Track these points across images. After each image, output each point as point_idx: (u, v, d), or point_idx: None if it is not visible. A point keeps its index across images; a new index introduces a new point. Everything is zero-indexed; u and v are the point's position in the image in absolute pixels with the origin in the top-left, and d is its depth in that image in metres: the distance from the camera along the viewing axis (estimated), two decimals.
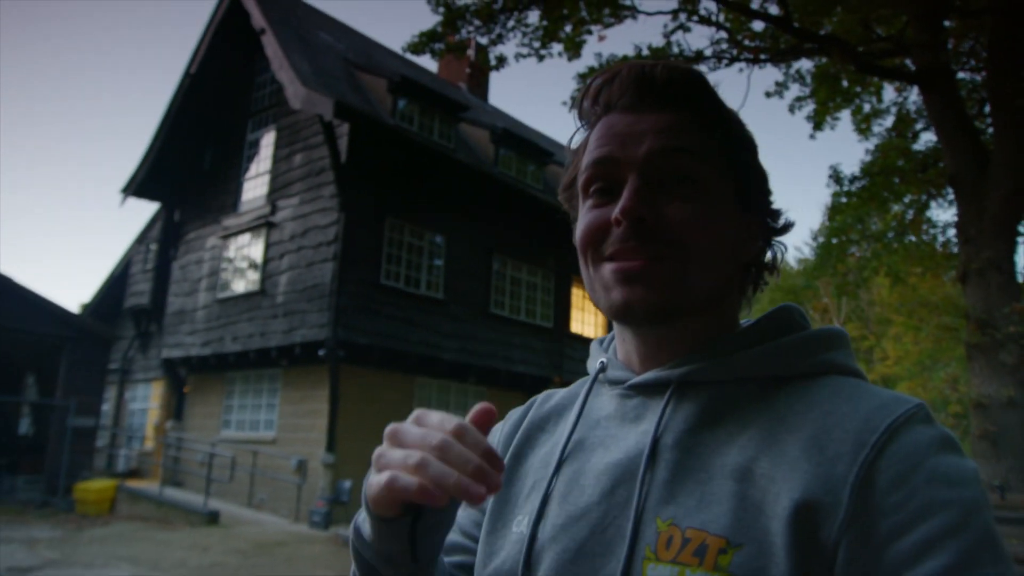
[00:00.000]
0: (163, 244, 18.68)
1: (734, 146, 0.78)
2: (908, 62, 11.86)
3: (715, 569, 0.62)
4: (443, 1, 12.12)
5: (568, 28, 12.84)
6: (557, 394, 0.95)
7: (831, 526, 0.60)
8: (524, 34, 12.98)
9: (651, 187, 0.74)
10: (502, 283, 17.11)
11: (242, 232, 16.08)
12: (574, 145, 0.85)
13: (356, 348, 13.59)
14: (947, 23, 11.17)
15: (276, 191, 15.68)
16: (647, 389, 0.79)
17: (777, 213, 0.83)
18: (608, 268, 0.76)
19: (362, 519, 0.73)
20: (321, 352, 13.17)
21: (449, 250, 15.93)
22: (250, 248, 15.82)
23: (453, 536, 0.90)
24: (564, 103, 13.81)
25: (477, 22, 12.74)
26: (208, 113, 17.57)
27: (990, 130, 12.85)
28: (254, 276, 15.49)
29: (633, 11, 12.60)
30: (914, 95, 16.23)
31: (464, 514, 0.91)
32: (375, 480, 0.63)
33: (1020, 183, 8.63)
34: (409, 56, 13.75)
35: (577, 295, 19.41)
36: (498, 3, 12.47)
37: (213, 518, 12.38)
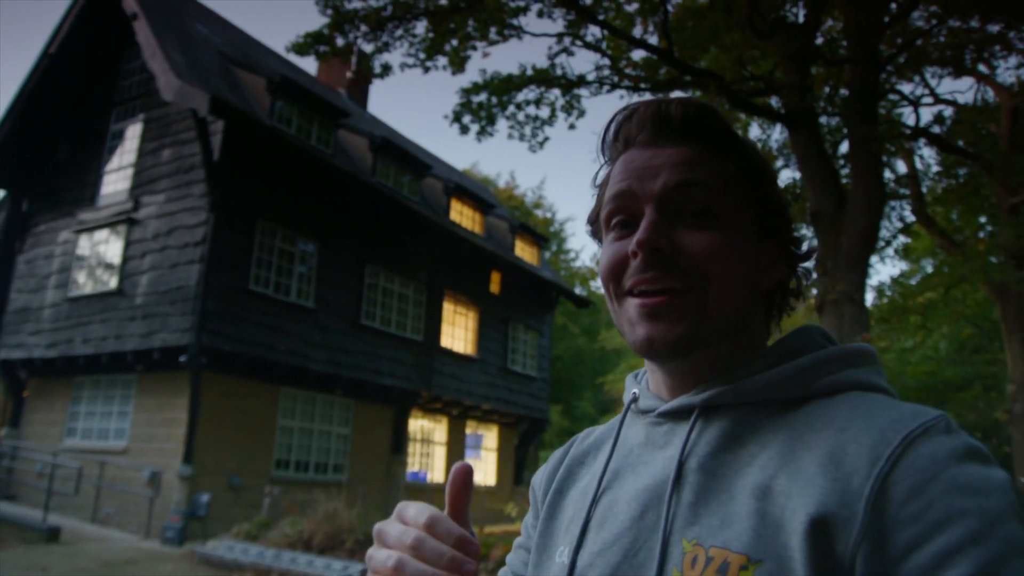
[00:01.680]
0: (7, 236, 17.23)
1: (750, 177, 0.81)
2: (773, 101, 12.62)
3: None
4: (332, 4, 11.90)
5: (455, 42, 12.89)
6: (596, 431, 0.98)
7: (847, 540, 0.60)
8: (411, 44, 12.92)
9: (668, 219, 0.77)
10: (374, 294, 16.89)
11: (100, 227, 15.10)
12: (598, 181, 0.88)
13: (220, 355, 13.02)
14: (813, 69, 11.97)
15: (140, 186, 14.85)
16: (674, 416, 0.81)
17: (799, 240, 0.86)
18: (633, 304, 0.78)
19: None
20: (182, 358, 12.54)
21: (321, 258, 15.58)
22: (108, 245, 14.88)
23: None
24: (445, 116, 13.84)
25: (364, 28, 12.58)
26: (67, 98, 16.42)
27: (843, 170, 13.87)
28: (111, 275, 14.57)
29: (519, 31, 12.79)
30: (776, 133, 17.31)
31: (514, 556, 0.96)
32: None
33: (873, 221, 9.33)
34: (289, 57, 13.38)
35: (448, 309, 19.42)
36: (387, 11, 12.36)
37: (53, 535, 11.45)
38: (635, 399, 0.88)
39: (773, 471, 0.68)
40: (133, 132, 15.65)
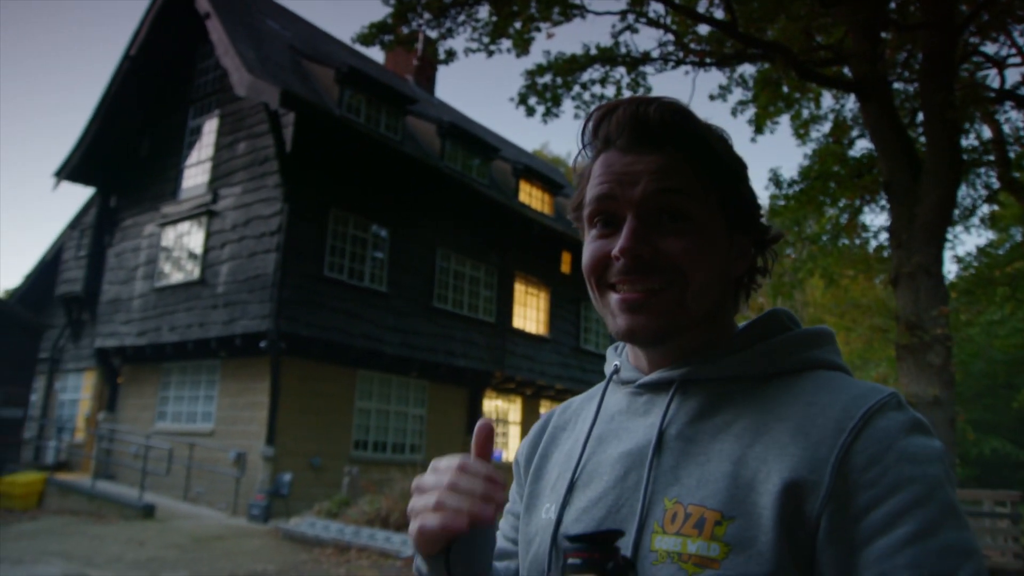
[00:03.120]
0: (98, 230, 18.13)
1: (723, 177, 0.87)
2: (846, 71, 12.23)
3: (712, 539, 0.72)
4: None
5: (518, 25, 12.89)
6: (574, 401, 1.08)
7: (814, 501, 0.70)
8: (474, 29, 12.98)
9: (647, 225, 0.83)
10: (445, 277, 17.10)
11: (182, 220, 15.73)
12: (579, 168, 0.94)
13: (298, 340, 13.44)
14: (884, 35, 11.55)
15: (218, 179, 15.38)
16: (654, 387, 0.90)
17: (766, 228, 0.93)
18: (614, 298, 0.85)
19: (418, 562, 0.88)
20: (262, 344, 13.00)
21: (393, 243, 15.85)
22: (190, 236, 15.49)
23: (502, 543, 1.04)
24: (511, 99, 13.86)
25: (427, 15, 12.70)
26: (147, 97, 17.14)
27: (921, 139, 13.37)
28: (193, 265, 15.18)
29: (582, 10, 12.71)
30: (851, 103, 16.74)
31: (504, 522, 1.07)
32: (411, 528, 0.81)
33: (949, 191, 9.00)
34: (356, 47, 13.64)
35: (519, 290, 19.50)
36: None
37: (148, 512, 12.12)
38: (617, 370, 0.97)
39: (749, 440, 0.77)
40: (210, 127, 16.19)
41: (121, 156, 17.50)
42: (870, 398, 0.74)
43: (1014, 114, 18.59)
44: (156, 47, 16.51)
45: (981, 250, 19.90)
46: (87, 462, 16.39)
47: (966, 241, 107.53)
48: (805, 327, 0.89)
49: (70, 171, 17.41)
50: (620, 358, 0.98)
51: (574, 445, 0.95)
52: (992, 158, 16.49)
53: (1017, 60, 15.97)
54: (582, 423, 0.99)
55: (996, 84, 15.90)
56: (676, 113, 0.85)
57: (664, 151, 0.84)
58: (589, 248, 0.88)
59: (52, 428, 18.38)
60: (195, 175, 16.21)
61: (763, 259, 0.94)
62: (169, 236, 16.00)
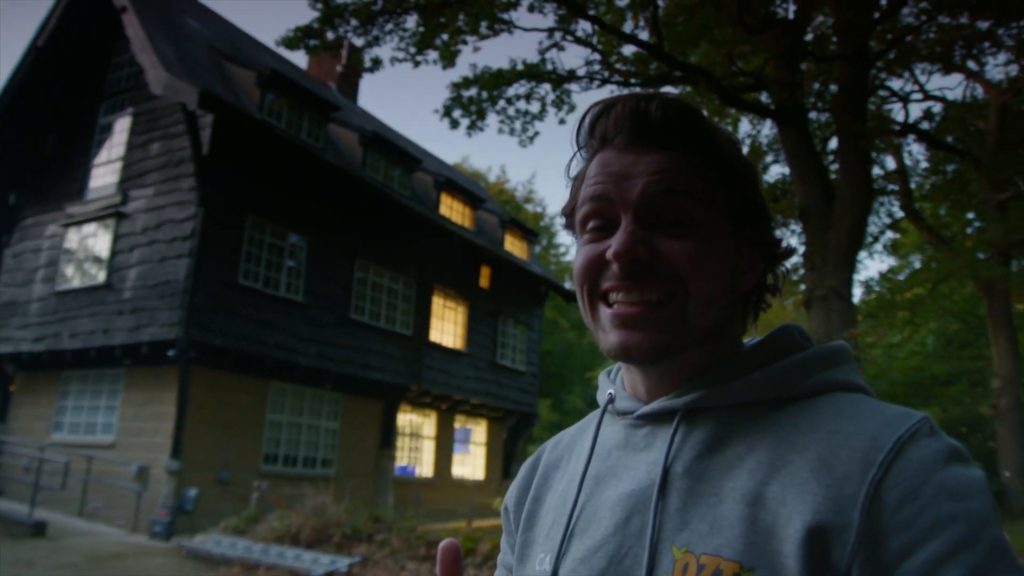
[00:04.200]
0: None
1: (730, 183, 0.79)
2: (764, 97, 12.66)
3: None
4: None
5: (445, 36, 12.89)
6: (566, 434, 0.97)
7: (843, 548, 0.61)
8: (401, 38, 12.92)
9: (646, 227, 0.75)
10: (364, 288, 16.87)
11: (88, 221, 15.03)
12: (572, 172, 0.86)
13: (209, 349, 12.99)
14: (803, 65, 12.00)
15: (129, 180, 14.78)
16: (655, 418, 0.80)
17: (777, 241, 0.84)
18: (606, 313, 0.77)
19: None
20: (171, 352, 12.49)
21: (311, 252, 15.54)
22: (96, 239, 14.81)
23: None
24: (436, 111, 13.84)
25: (355, 22, 12.57)
26: (55, 91, 16.32)
27: (833, 167, 13.93)
28: (99, 269, 14.50)
29: (510, 26, 12.81)
30: (767, 129, 17.37)
31: (502, 572, 0.95)
32: None
33: (861, 217, 9.37)
34: (280, 51, 13.36)
35: (438, 304, 19.40)
36: (377, 5, 12.35)
37: (39, 529, 11.41)
38: (611, 399, 0.87)
39: (764, 476, 0.67)
40: (122, 126, 15.56)
41: (24, 151, 16.60)
42: (900, 425, 0.65)
43: (916, 147, 19.63)
44: (66, 39, 15.75)
45: (884, 276, 20.88)
46: None
47: (869, 266, 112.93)
48: (821, 344, 0.81)
49: None
50: (615, 385, 0.88)
51: (568, 486, 0.85)
52: (896, 188, 17.36)
53: (919, 96, 16.87)
54: (575, 460, 0.88)
55: (901, 118, 16.77)
56: (680, 110, 0.77)
57: (666, 150, 0.76)
58: (581, 253, 0.80)
59: None
60: (104, 175, 15.53)
61: (773, 276, 0.85)
62: (73, 238, 15.26)
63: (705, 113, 0.80)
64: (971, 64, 15.22)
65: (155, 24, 14.16)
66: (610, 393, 0.87)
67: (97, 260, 14.63)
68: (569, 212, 0.85)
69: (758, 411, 0.74)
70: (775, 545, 0.63)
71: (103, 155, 15.72)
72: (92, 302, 14.26)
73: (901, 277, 19.33)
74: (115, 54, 16.14)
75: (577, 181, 0.84)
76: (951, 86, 64.54)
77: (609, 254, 0.75)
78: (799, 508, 0.63)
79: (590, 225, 0.80)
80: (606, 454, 0.83)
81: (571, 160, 0.86)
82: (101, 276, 14.36)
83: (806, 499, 0.63)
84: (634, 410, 0.82)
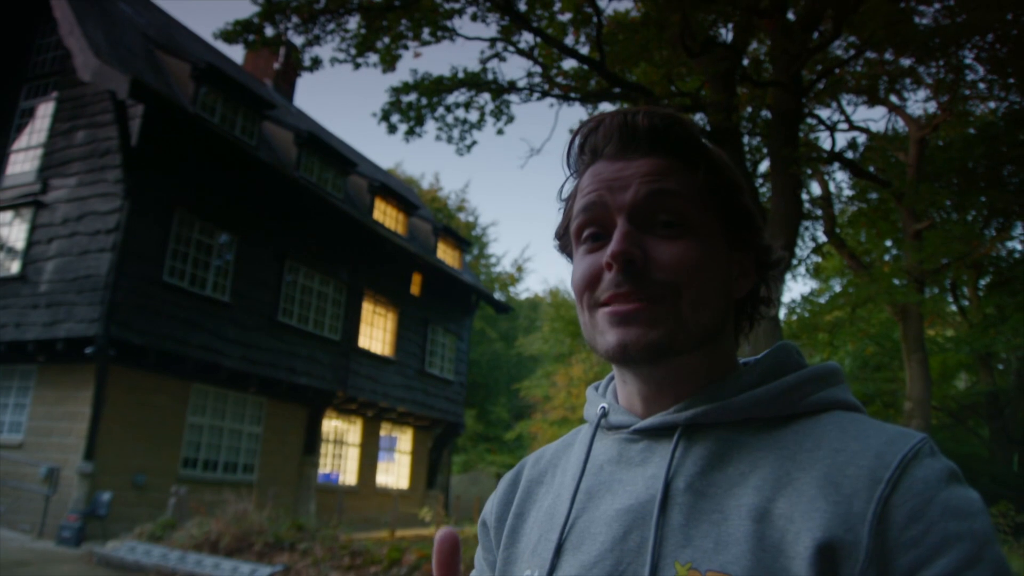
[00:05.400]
0: None
1: (719, 187, 0.80)
2: (699, 119, 12.95)
3: None
4: None
5: (386, 40, 12.81)
6: (548, 450, 0.96)
7: (853, 565, 0.62)
8: (342, 39, 12.78)
9: (640, 229, 0.76)
10: (293, 291, 16.57)
11: (3, 209, 14.35)
12: (564, 194, 0.87)
13: (129, 348, 12.54)
14: (738, 89, 12.33)
15: (50, 168, 14.17)
16: (652, 433, 0.79)
17: (768, 249, 0.85)
18: (602, 312, 0.77)
19: None
20: (89, 350, 12.01)
21: (240, 252, 15.19)
22: (11, 228, 14.15)
23: None
24: (373, 115, 13.75)
25: (296, 19, 12.38)
26: None
27: (763, 189, 14.33)
28: (13, 259, 13.86)
29: (452, 33, 12.81)
30: None
31: None
32: None
33: (790, 239, 9.66)
34: (216, 44, 13.03)
35: (368, 309, 19.20)
36: (320, 3, 12.20)
37: None
38: (605, 413, 0.86)
39: (770, 493, 0.68)
40: (44, 111, 14.92)
41: None
42: (904, 444, 0.67)
43: (840, 175, 20.36)
44: None
45: (806, 298, 21.53)
46: None
47: (792, 288, 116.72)
48: (815, 364, 0.82)
49: None
50: (606, 399, 0.87)
51: (556, 501, 0.84)
52: (821, 213, 17.95)
53: (845, 126, 17.52)
54: (563, 475, 0.87)
55: (828, 146, 17.37)
56: (667, 119, 0.79)
57: (656, 155, 0.78)
58: (579, 265, 0.80)
59: None
60: (22, 161, 14.85)
61: (766, 287, 0.86)
62: None
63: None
64: (894, 98, 15.87)
65: (85, 7, 13.64)
66: (603, 407, 0.86)
67: (11, 250, 13.98)
68: (563, 231, 0.86)
69: (760, 428, 0.75)
70: (783, 563, 0.64)
71: (22, 140, 15.04)
72: (4, 294, 13.61)
73: (823, 300, 19.99)
74: (40, 35, 15.48)
75: (570, 199, 0.85)
76: (875, 118, 67.45)
77: (605, 258, 0.76)
78: (807, 525, 0.64)
79: (586, 234, 0.80)
80: (598, 469, 0.81)
81: (563, 185, 0.87)
82: (15, 267, 13.73)
83: (814, 516, 0.64)
84: (629, 424, 0.81)
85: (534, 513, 0.87)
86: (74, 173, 13.69)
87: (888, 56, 13.32)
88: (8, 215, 14.27)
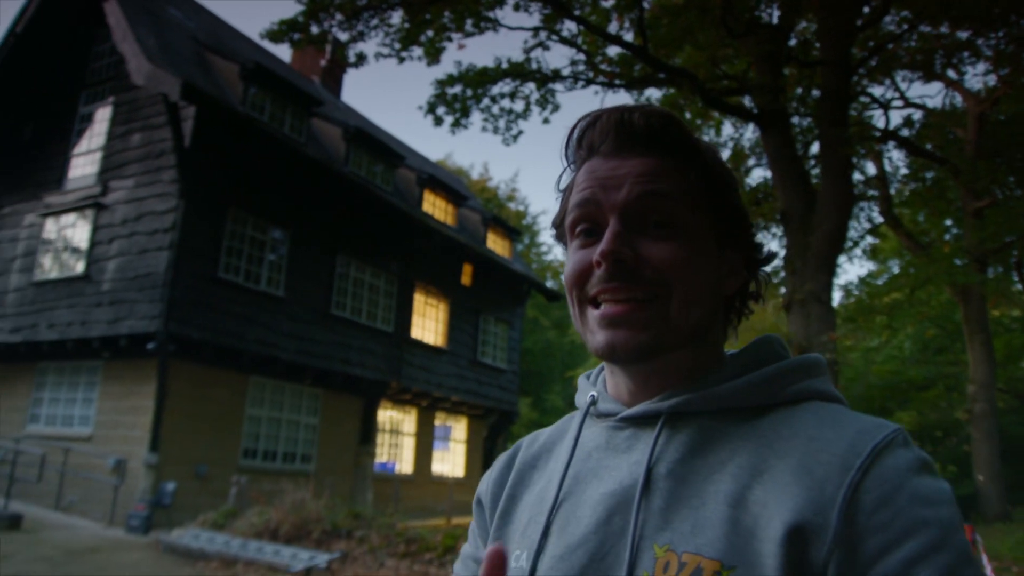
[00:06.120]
0: None
1: (711, 186, 0.82)
2: (747, 101, 12.74)
3: None
4: None
5: (430, 33, 12.87)
6: (543, 434, 0.98)
7: (821, 546, 0.64)
8: (386, 34, 12.88)
9: (631, 230, 0.78)
10: (345, 284, 16.80)
11: (66, 211, 14.85)
12: (562, 185, 0.89)
13: (188, 343, 12.89)
14: (785, 70, 12.09)
15: (109, 171, 14.61)
16: (638, 421, 0.82)
17: (759, 246, 0.88)
18: (593, 314, 0.80)
19: None
20: (150, 345, 12.39)
21: (292, 247, 15.46)
22: (75, 229, 14.64)
23: None
24: (420, 108, 13.80)
25: (340, 16, 12.52)
26: (34, 79, 16.10)
27: (814, 171, 14.05)
28: (77, 260, 14.34)
29: (496, 24, 12.80)
30: (749, 132, 17.46)
31: (462, 567, 0.95)
32: None
33: (841, 221, 9.47)
34: (264, 44, 13.25)
35: (419, 301, 19.36)
36: (363, 0, 12.31)
37: (15, 522, 11.27)
38: (594, 402, 0.89)
39: (747, 480, 0.70)
40: (102, 115, 15.38)
41: (1, 139, 16.36)
42: (876, 433, 0.69)
43: (896, 154, 19.86)
44: (46, 26, 15.55)
45: (863, 280, 21.09)
46: None
47: (849, 271, 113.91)
48: (802, 348, 0.84)
49: None
50: (596, 388, 0.90)
51: (547, 485, 0.86)
52: (876, 193, 17.53)
53: (900, 103, 17.04)
54: (554, 460, 0.90)
55: (881, 124, 16.93)
56: (662, 118, 0.81)
57: (650, 155, 0.80)
58: (571, 259, 0.83)
59: None
60: (83, 165, 15.34)
61: (755, 282, 0.89)
62: (51, 228, 15.08)
63: (688, 116, 0.83)
64: (951, 73, 15.39)
65: (137, 13, 14.01)
66: (592, 395, 0.89)
67: (76, 251, 14.47)
68: (559, 222, 0.89)
69: (740, 417, 0.77)
70: (755, 545, 0.66)
71: (83, 145, 15.53)
72: (70, 293, 14.11)
73: (880, 282, 19.53)
74: (96, 42, 15.94)
75: (566, 192, 0.87)
76: (931, 94, 65.48)
77: (595, 256, 0.78)
78: (779, 510, 0.66)
79: (579, 230, 0.83)
80: (587, 455, 0.84)
81: (561, 175, 0.90)
82: (79, 267, 14.20)
83: (786, 502, 0.66)
84: (616, 412, 0.84)
85: (526, 496, 0.90)
86: (131, 175, 14.09)
87: (943, 29, 12.91)
88: (72, 217, 14.76)
